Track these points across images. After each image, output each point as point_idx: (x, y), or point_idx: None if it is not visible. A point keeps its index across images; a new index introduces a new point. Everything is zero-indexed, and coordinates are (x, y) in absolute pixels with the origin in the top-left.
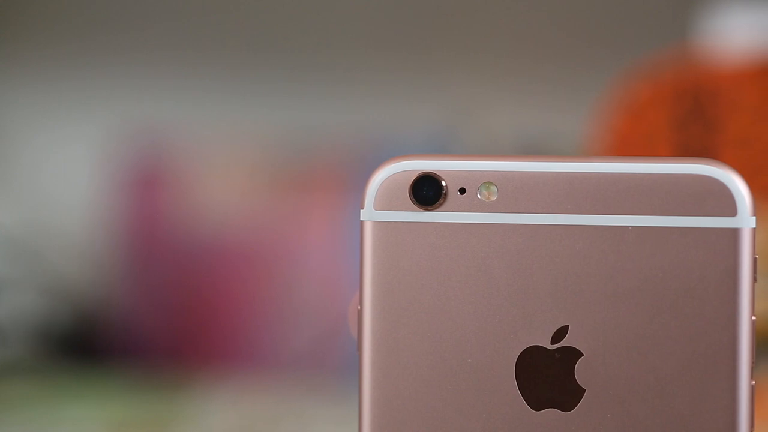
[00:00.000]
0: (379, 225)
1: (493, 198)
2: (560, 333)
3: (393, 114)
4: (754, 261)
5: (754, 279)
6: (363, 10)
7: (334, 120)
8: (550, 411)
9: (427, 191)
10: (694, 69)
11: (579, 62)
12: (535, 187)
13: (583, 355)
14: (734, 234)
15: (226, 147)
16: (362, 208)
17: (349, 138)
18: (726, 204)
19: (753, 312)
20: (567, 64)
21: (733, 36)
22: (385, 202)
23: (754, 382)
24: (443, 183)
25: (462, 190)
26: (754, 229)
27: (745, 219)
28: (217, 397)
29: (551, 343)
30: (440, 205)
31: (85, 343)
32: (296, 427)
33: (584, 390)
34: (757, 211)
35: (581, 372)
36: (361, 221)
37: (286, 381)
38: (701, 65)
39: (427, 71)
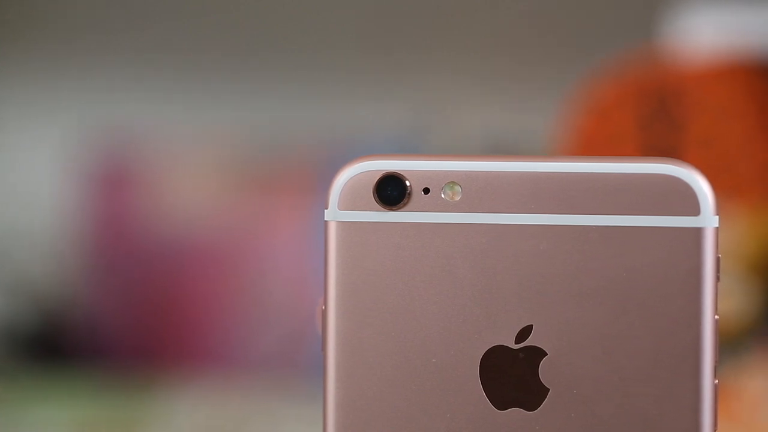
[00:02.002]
0: (344, 225)
1: (458, 198)
2: (524, 332)
3: (361, 114)
4: (717, 260)
5: (718, 278)
6: (331, 11)
7: (301, 120)
8: (515, 410)
9: (391, 191)
10: (660, 69)
11: (545, 63)
12: (500, 187)
13: (547, 354)
14: (697, 233)
15: (193, 147)
16: (326, 208)
17: (317, 138)
18: (689, 203)
19: (716, 311)
20: (533, 64)
21: (698, 36)
22: (350, 202)
23: (717, 381)
24: (407, 183)
25: (426, 190)
26: (717, 228)
27: (708, 218)
28: (185, 398)
29: (515, 343)
30: (404, 205)
31: (52, 344)
32: (265, 427)
33: (548, 389)
34: (720, 210)
35: (545, 371)
36: (326, 221)
37: (254, 381)
38: (666, 65)
39: (395, 72)
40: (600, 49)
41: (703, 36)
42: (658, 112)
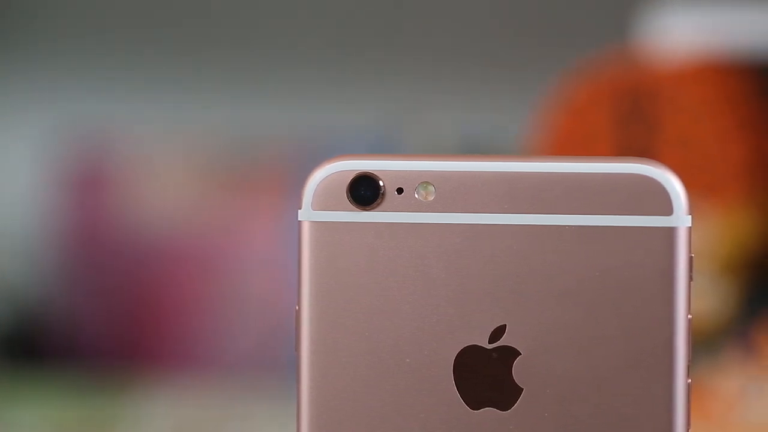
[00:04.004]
0: (317, 225)
1: (431, 198)
2: (498, 332)
3: (335, 115)
4: (690, 260)
5: (691, 278)
6: (304, 10)
7: (277, 121)
8: (488, 410)
9: (364, 191)
10: (634, 69)
11: (520, 62)
12: (473, 186)
13: (520, 354)
14: (670, 233)
15: (168, 148)
16: (300, 209)
17: (291, 139)
18: (662, 203)
19: (689, 311)
20: (508, 64)
21: (673, 36)
22: (323, 202)
23: (690, 381)
24: (381, 183)
25: (400, 190)
26: (690, 228)
27: (681, 218)
28: (161, 398)
29: (489, 343)
30: (378, 205)
31: (27, 345)
32: (241, 427)
33: (522, 389)
34: (695, 210)
35: (519, 371)
36: (299, 221)
37: (230, 381)
38: (641, 65)
39: (369, 72)
40: (574, 49)
41: (677, 36)
42: (632, 112)
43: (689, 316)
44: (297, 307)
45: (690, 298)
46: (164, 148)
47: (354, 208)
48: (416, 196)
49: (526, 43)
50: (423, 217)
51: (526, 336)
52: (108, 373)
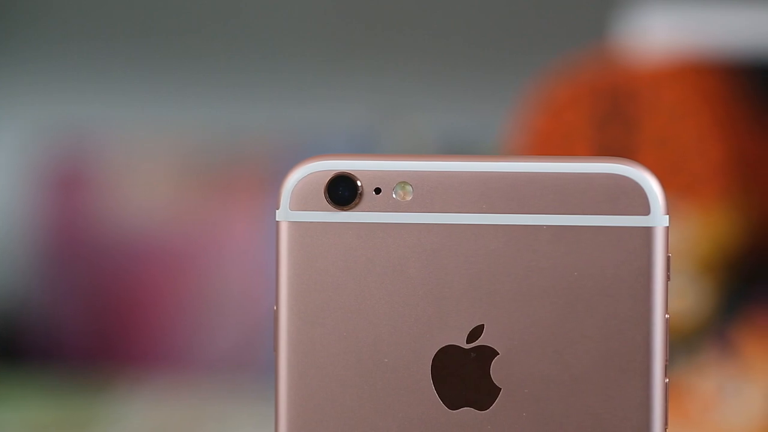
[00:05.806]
0: (295, 225)
1: (409, 198)
2: (476, 332)
3: (316, 115)
4: (668, 259)
5: (668, 277)
6: (286, 10)
7: (257, 121)
8: (466, 410)
9: (342, 191)
10: (613, 69)
11: (499, 63)
12: (451, 186)
13: (498, 354)
14: (647, 232)
15: (147, 148)
16: (278, 209)
17: (271, 139)
18: (639, 202)
19: (667, 310)
20: (487, 64)
21: (651, 36)
22: (301, 202)
23: (668, 380)
24: (358, 183)
25: (377, 190)
26: (667, 227)
27: (658, 218)
28: (139, 399)
29: (467, 343)
30: (356, 205)
31: (6, 345)
32: (219, 428)
33: (500, 389)
34: (674, 210)
35: (497, 371)
36: (277, 221)
37: (208, 382)
38: (619, 65)
39: (350, 73)
40: (553, 49)
41: (655, 36)
42: (611, 112)
43: (667, 316)
44: (275, 308)
45: (667, 298)
46: (144, 148)
47: (332, 208)
48: (394, 196)
49: (505, 44)
50: (401, 217)
51: (504, 336)
52: (87, 373)
